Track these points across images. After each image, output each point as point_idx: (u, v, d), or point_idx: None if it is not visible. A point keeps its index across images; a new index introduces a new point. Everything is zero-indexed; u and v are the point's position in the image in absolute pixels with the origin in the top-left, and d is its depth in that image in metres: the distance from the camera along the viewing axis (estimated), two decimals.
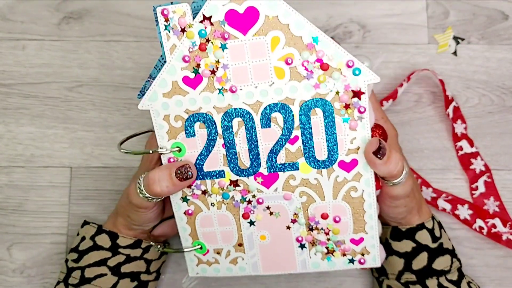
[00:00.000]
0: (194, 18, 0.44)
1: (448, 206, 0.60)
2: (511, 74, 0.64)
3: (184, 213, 0.50)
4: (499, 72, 0.64)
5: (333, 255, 0.50)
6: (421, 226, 0.52)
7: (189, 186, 0.48)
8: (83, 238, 0.53)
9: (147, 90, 0.47)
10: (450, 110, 0.61)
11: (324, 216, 0.49)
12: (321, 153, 0.47)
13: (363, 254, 0.50)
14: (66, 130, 0.62)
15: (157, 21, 0.45)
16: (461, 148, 0.62)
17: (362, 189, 0.48)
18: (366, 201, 0.48)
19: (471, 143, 0.62)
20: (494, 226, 0.59)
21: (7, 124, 0.62)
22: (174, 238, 0.58)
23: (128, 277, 0.52)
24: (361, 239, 0.49)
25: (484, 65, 0.64)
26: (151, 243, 0.53)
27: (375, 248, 0.50)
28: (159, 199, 0.48)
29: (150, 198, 0.47)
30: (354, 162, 0.47)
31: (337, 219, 0.49)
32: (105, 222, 0.55)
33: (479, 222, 0.59)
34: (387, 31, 0.65)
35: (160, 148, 0.47)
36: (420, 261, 0.52)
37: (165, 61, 0.46)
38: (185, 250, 0.51)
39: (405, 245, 0.52)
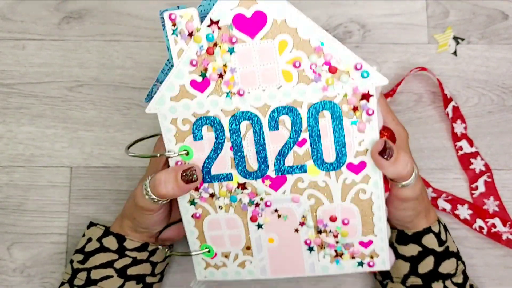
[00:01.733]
0: (201, 22, 0.44)
1: (448, 206, 0.60)
2: (511, 74, 0.64)
3: (192, 216, 0.49)
4: (499, 72, 0.64)
5: (341, 258, 0.50)
6: (428, 230, 0.51)
7: (197, 189, 0.48)
8: (89, 240, 0.53)
9: (154, 93, 0.47)
10: (449, 109, 0.61)
11: (333, 219, 0.48)
12: (329, 156, 0.46)
13: (372, 257, 0.49)
14: (66, 129, 0.62)
15: (163, 25, 0.45)
16: (461, 148, 0.62)
17: (371, 191, 0.47)
18: (375, 203, 0.48)
19: (471, 143, 0.62)
20: (494, 225, 0.59)
21: (7, 123, 0.62)
22: (179, 241, 0.58)
23: (134, 280, 0.52)
24: (370, 242, 0.49)
25: (484, 65, 0.64)
26: (158, 246, 0.53)
27: (384, 251, 0.49)
28: (164, 202, 0.48)
29: (156, 200, 0.47)
30: (363, 164, 0.46)
31: (346, 221, 0.48)
32: (112, 224, 0.55)
33: (479, 222, 0.59)
34: (387, 31, 0.65)
35: (168, 151, 0.47)
36: (426, 265, 0.51)
37: (172, 65, 0.46)
38: (193, 253, 0.51)
39: (411, 249, 0.52)
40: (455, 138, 0.62)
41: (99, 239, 0.53)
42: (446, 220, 0.60)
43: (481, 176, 0.61)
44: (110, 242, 0.52)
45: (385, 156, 0.44)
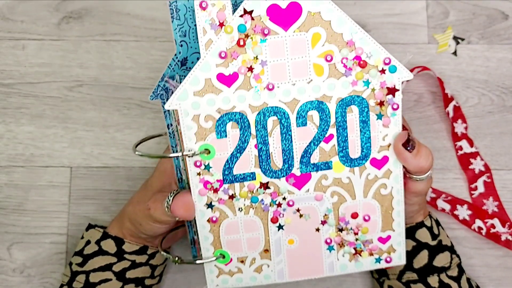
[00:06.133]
0: (233, 12, 0.43)
1: (447, 207, 0.60)
2: (511, 74, 0.64)
3: (208, 220, 0.47)
4: (499, 72, 0.64)
5: (360, 256, 0.49)
6: (421, 225, 0.52)
7: (216, 191, 0.46)
8: (88, 242, 0.53)
9: (160, 91, 0.46)
10: (450, 109, 0.61)
11: (354, 216, 0.48)
12: (355, 151, 0.46)
13: (389, 253, 0.49)
14: (66, 129, 0.62)
15: (172, 17, 0.44)
16: (460, 148, 0.62)
17: (392, 186, 0.47)
18: (394, 198, 0.48)
19: (471, 143, 0.62)
20: (493, 226, 0.59)
21: (7, 123, 0.63)
22: (175, 246, 0.58)
23: (133, 283, 0.52)
24: (388, 237, 0.49)
25: (484, 65, 0.64)
26: (163, 253, 0.51)
27: (401, 246, 0.49)
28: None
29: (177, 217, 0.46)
30: (385, 159, 0.47)
31: (367, 217, 0.48)
32: (109, 225, 0.54)
33: (478, 223, 0.59)
34: (387, 30, 0.65)
35: (188, 150, 0.44)
36: (421, 259, 0.52)
37: (179, 60, 0.44)
38: (205, 261, 0.47)
39: (406, 244, 0.52)
40: (455, 137, 0.62)
41: (97, 242, 0.53)
42: (445, 220, 0.60)
43: (481, 176, 0.61)
44: (109, 245, 0.52)
45: (408, 148, 0.45)
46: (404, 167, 0.47)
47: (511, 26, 0.65)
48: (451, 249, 0.53)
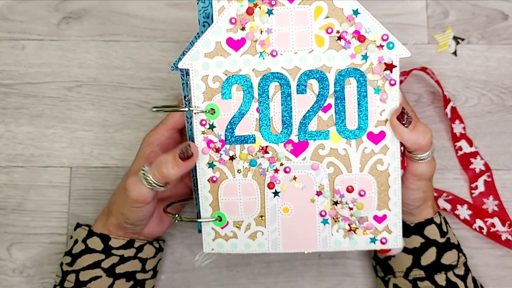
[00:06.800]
0: None
1: (448, 206, 0.60)
2: (511, 74, 0.64)
3: (208, 180, 0.49)
4: (499, 72, 0.64)
5: (355, 233, 0.50)
6: (430, 221, 0.52)
7: (218, 151, 0.49)
8: (76, 241, 0.53)
9: (179, 62, 0.48)
10: (448, 110, 0.62)
11: (349, 190, 0.49)
12: (352, 123, 0.48)
13: (385, 233, 0.50)
14: (65, 129, 0.63)
15: (198, 0, 0.47)
16: (460, 148, 0.62)
17: (388, 163, 0.48)
18: (391, 175, 0.48)
19: (470, 143, 0.62)
20: (493, 225, 0.59)
21: (6, 123, 0.63)
22: (175, 246, 0.58)
23: (124, 277, 0.52)
24: (384, 217, 0.49)
25: (483, 65, 0.64)
26: (145, 241, 0.53)
27: (397, 228, 0.49)
28: (162, 188, 0.48)
29: (155, 186, 0.47)
30: (382, 134, 0.48)
31: (362, 193, 0.49)
32: (94, 222, 0.55)
33: (479, 222, 0.59)
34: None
35: (195, 107, 0.48)
36: (429, 256, 0.52)
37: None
38: (203, 220, 0.50)
39: (414, 241, 0.52)
40: (455, 138, 0.62)
41: (84, 240, 0.53)
42: (446, 219, 0.60)
43: (481, 175, 0.61)
44: (95, 243, 0.52)
45: (403, 122, 0.46)
46: (403, 146, 0.48)
47: (511, 26, 0.65)
48: (458, 248, 0.53)
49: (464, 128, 0.62)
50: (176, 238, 0.60)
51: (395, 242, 0.50)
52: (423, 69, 0.62)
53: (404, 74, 0.62)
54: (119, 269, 0.52)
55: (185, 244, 0.60)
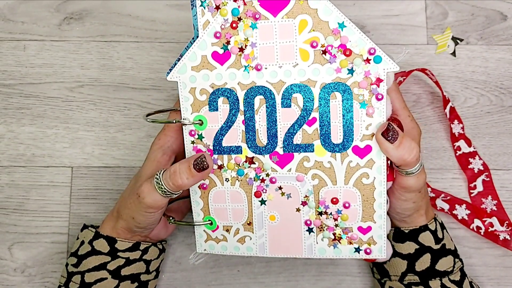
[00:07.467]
0: None
1: (446, 206, 0.60)
2: (510, 74, 0.64)
3: (199, 186, 0.51)
4: (498, 72, 0.64)
5: (339, 242, 0.50)
6: (425, 228, 0.52)
7: None
8: (82, 243, 0.53)
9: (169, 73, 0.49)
10: (447, 110, 0.62)
11: (334, 201, 0.49)
12: (337, 137, 0.48)
13: (369, 244, 0.50)
14: (67, 130, 0.63)
15: (192, 5, 0.47)
16: (459, 148, 0.62)
17: (374, 177, 0.48)
18: (376, 189, 0.48)
19: (469, 143, 0.62)
20: (491, 225, 0.59)
21: (8, 124, 0.63)
22: (176, 246, 0.58)
23: (129, 279, 0.53)
24: (369, 228, 0.50)
25: (482, 66, 0.64)
26: (149, 243, 0.54)
27: (382, 239, 0.50)
28: (175, 195, 0.48)
29: (168, 193, 0.48)
30: (368, 148, 0.48)
31: (347, 205, 0.49)
32: (101, 224, 0.55)
33: (477, 222, 0.60)
34: (386, 31, 0.65)
35: (183, 119, 0.49)
36: (423, 262, 0.52)
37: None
38: (195, 223, 0.52)
39: (408, 247, 0.52)
40: (454, 138, 0.62)
41: (90, 242, 0.53)
42: (444, 219, 0.60)
43: (480, 175, 0.61)
44: (101, 245, 0.52)
45: (388, 138, 0.45)
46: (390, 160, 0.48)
47: (510, 26, 0.65)
48: (455, 253, 0.53)
49: (463, 128, 0.62)
50: (177, 237, 0.61)
51: (379, 253, 0.50)
52: (423, 70, 0.63)
53: (404, 75, 0.62)
54: (125, 271, 0.52)
55: (186, 244, 0.61)
